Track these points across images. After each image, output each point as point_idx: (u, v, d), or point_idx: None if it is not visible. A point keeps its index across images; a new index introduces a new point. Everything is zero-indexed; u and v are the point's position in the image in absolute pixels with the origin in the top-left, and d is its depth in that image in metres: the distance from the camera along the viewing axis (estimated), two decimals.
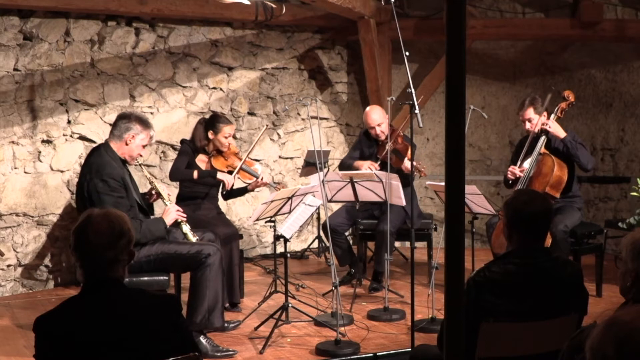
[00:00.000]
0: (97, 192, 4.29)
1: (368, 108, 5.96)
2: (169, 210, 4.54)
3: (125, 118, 4.51)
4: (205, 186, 5.38)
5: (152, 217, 4.71)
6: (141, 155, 4.58)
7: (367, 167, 5.71)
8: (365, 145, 6.02)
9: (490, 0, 7.56)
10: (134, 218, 4.33)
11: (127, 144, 4.46)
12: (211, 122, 5.41)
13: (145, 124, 4.53)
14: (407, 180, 5.54)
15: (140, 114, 4.79)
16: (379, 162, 5.69)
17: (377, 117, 5.77)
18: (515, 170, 5.35)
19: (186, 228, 4.56)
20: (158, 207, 5.11)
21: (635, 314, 1.60)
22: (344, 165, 5.99)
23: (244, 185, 5.69)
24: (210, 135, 5.36)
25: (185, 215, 4.62)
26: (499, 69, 7.71)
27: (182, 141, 5.54)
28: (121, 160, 4.48)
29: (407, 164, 5.54)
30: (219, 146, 5.39)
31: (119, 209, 4.22)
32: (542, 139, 5.32)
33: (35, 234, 5.95)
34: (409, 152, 5.66)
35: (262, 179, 5.51)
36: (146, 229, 4.37)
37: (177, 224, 4.59)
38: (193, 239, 4.55)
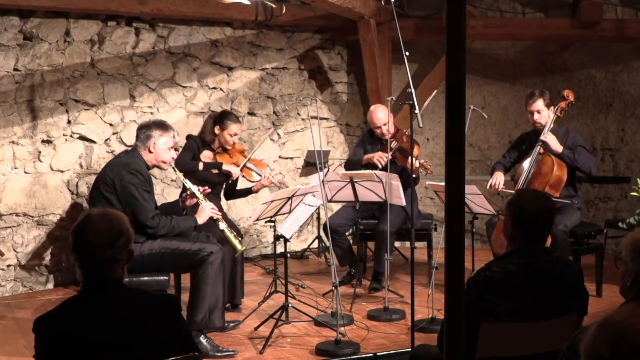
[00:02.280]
0: (128, 183, 4.33)
1: (372, 107, 5.92)
2: (203, 209, 4.58)
3: (143, 127, 4.56)
4: (209, 183, 5.35)
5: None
6: (174, 158, 4.61)
7: (378, 157, 5.68)
8: (368, 143, 6.00)
9: (490, 0, 7.56)
10: (159, 213, 4.40)
11: (151, 152, 4.50)
12: (220, 117, 5.42)
13: (164, 127, 4.56)
14: (413, 179, 5.54)
15: (158, 119, 4.82)
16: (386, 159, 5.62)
17: (383, 116, 5.73)
18: (494, 182, 5.40)
19: (223, 225, 4.60)
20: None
21: (627, 313, 1.62)
22: (351, 162, 5.95)
23: (249, 185, 5.69)
24: (217, 130, 5.37)
25: (220, 213, 4.66)
26: (499, 69, 7.71)
27: (188, 136, 5.52)
28: (146, 165, 4.51)
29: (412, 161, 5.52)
30: (223, 143, 5.39)
31: (148, 202, 4.33)
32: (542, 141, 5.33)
33: (35, 234, 5.94)
34: (415, 150, 5.67)
35: (266, 178, 5.51)
36: (175, 224, 4.44)
37: (213, 222, 4.61)
38: (230, 235, 4.59)
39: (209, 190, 4.79)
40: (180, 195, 4.87)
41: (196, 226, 4.56)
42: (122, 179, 4.34)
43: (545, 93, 5.44)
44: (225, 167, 5.34)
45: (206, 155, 5.41)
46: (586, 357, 1.60)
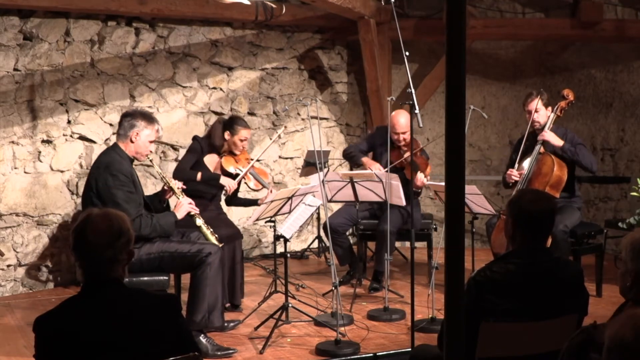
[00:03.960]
0: (107, 186, 4.28)
1: (395, 112, 5.75)
2: (180, 204, 4.54)
3: (128, 116, 4.51)
4: (211, 186, 5.34)
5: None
6: (151, 152, 4.56)
7: (376, 169, 5.65)
8: (378, 141, 5.94)
9: (490, 0, 7.56)
10: (141, 215, 4.35)
11: (132, 142, 4.45)
12: (230, 123, 5.41)
13: (149, 119, 4.51)
14: (414, 193, 5.53)
15: (144, 110, 4.78)
16: (387, 168, 5.48)
17: (405, 124, 5.63)
18: (513, 173, 5.35)
19: (200, 221, 4.56)
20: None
21: None
22: (350, 154, 5.94)
23: (252, 195, 5.66)
24: (227, 135, 5.36)
25: (197, 209, 4.61)
26: (499, 69, 7.71)
27: (195, 138, 5.49)
28: (129, 159, 4.48)
29: (420, 177, 5.51)
30: (232, 148, 5.38)
31: (130, 203, 4.27)
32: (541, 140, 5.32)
33: (35, 234, 5.94)
34: (427, 168, 5.66)
35: (272, 192, 5.45)
36: (156, 223, 4.38)
37: (190, 217, 4.57)
38: (207, 231, 4.56)
39: (185, 187, 4.74)
40: (162, 188, 4.81)
41: (176, 221, 4.51)
42: (105, 183, 4.29)
43: (543, 93, 5.43)
44: (222, 180, 5.30)
45: (210, 160, 5.39)
46: (611, 342, 1.71)
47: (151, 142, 4.51)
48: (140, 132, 4.45)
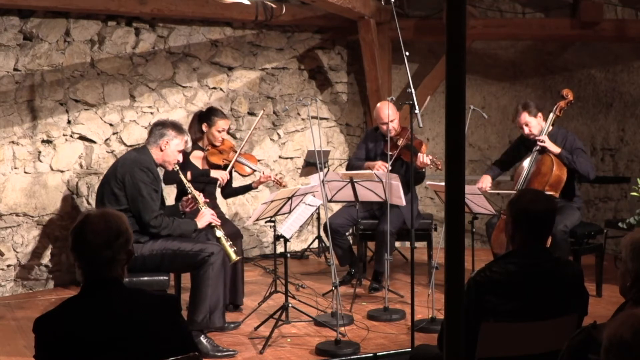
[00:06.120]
0: (136, 179, 4.38)
1: (379, 104, 5.87)
2: (203, 214, 4.63)
3: (159, 125, 4.61)
4: (201, 184, 5.34)
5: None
6: (179, 161, 4.64)
7: (378, 167, 5.66)
8: (371, 142, 5.97)
9: (490, 0, 7.56)
10: (163, 214, 4.44)
11: (161, 150, 4.54)
12: (207, 114, 5.41)
13: (179, 129, 4.60)
14: (420, 175, 5.54)
15: (174, 120, 4.86)
16: (391, 161, 5.51)
17: (391, 113, 5.67)
18: (481, 186, 5.40)
19: (220, 233, 4.62)
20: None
21: None
22: (352, 168, 5.94)
23: (247, 182, 5.69)
24: (204, 127, 5.36)
25: (219, 221, 4.70)
26: (499, 69, 7.71)
27: None
28: (155, 164, 4.56)
29: (421, 157, 5.52)
30: (212, 140, 5.39)
31: (155, 201, 4.40)
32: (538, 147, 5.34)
33: (35, 234, 5.94)
34: (423, 147, 5.67)
35: (264, 174, 5.52)
36: (177, 226, 4.50)
37: (211, 228, 4.66)
38: (226, 244, 4.60)
39: (208, 200, 4.82)
40: (181, 199, 4.87)
41: (196, 230, 4.62)
42: (133, 175, 4.39)
43: (529, 105, 5.41)
44: (213, 174, 5.33)
45: (196, 156, 5.39)
46: (609, 341, 1.72)
47: (179, 152, 4.60)
48: (170, 142, 4.55)
